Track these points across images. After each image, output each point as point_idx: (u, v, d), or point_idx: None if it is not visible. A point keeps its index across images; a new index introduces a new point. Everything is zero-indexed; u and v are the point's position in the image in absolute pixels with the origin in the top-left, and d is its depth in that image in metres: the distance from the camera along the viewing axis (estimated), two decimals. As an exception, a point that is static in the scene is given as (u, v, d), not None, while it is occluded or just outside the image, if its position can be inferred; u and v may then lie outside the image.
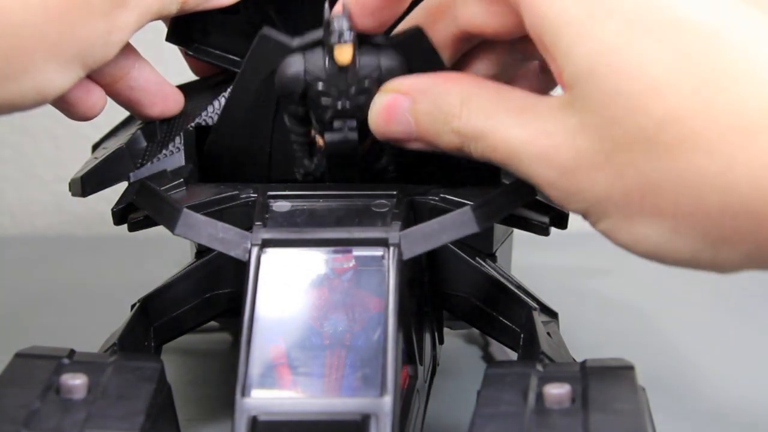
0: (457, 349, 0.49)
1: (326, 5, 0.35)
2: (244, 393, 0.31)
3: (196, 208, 0.36)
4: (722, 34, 0.28)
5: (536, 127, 0.31)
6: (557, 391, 0.31)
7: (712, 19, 0.28)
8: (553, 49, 0.30)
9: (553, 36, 0.30)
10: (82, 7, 0.36)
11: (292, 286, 0.34)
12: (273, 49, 0.37)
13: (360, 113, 0.36)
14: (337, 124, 0.36)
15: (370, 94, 0.36)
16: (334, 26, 0.34)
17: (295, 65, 0.36)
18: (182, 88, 0.43)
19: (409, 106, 0.34)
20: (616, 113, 0.29)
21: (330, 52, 0.35)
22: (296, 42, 0.36)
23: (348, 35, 0.34)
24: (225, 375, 0.47)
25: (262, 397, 0.31)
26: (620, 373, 0.32)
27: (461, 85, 0.33)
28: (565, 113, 0.30)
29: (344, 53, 0.35)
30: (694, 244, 0.29)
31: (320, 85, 0.36)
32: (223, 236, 0.35)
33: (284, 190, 0.37)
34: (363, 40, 0.35)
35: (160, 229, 0.39)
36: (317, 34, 0.36)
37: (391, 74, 0.35)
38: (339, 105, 0.36)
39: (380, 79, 0.36)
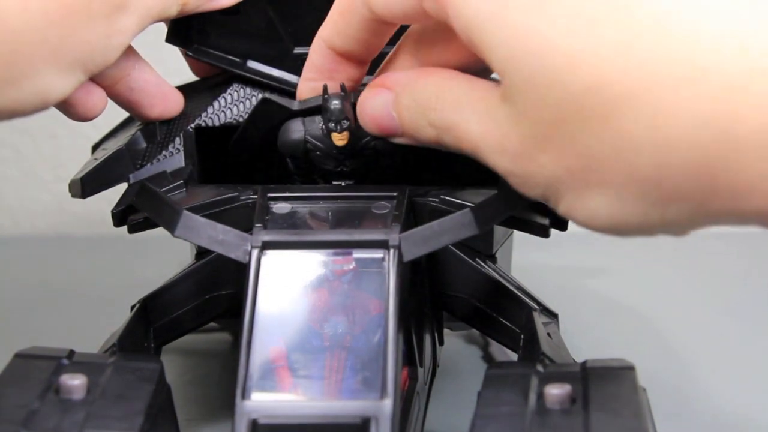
0: (457, 350, 0.49)
1: (324, 85, 0.37)
2: (244, 396, 0.31)
3: (196, 209, 0.36)
4: None
5: (490, 117, 0.31)
6: (558, 392, 0.31)
7: None
8: (479, 47, 0.30)
9: (475, 34, 0.30)
10: (83, 11, 0.36)
11: (292, 288, 0.34)
12: (274, 110, 0.39)
13: (358, 175, 0.39)
14: (336, 182, 0.39)
15: (367, 159, 0.38)
16: (332, 112, 0.36)
17: (296, 132, 0.38)
18: (182, 89, 0.43)
19: (393, 101, 0.35)
20: (541, 93, 0.29)
21: (328, 132, 0.37)
22: (296, 105, 0.38)
23: (345, 124, 0.37)
24: (225, 375, 0.47)
25: (262, 400, 0.31)
26: (621, 373, 0.32)
27: (437, 78, 0.33)
28: (505, 102, 0.30)
29: (341, 139, 0.37)
30: (640, 208, 0.29)
31: (320, 152, 0.38)
32: (223, 238, 0.35)
33: (284, 192, 0.37)
34: None
35: (161, 230, 0.39)
36: (317, 100, 0.38)
37: (389, 142, 0.36)
38: (338, 169, 0.39)
39: (376, 147, 0.38)
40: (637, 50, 0.27)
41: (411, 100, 0.34)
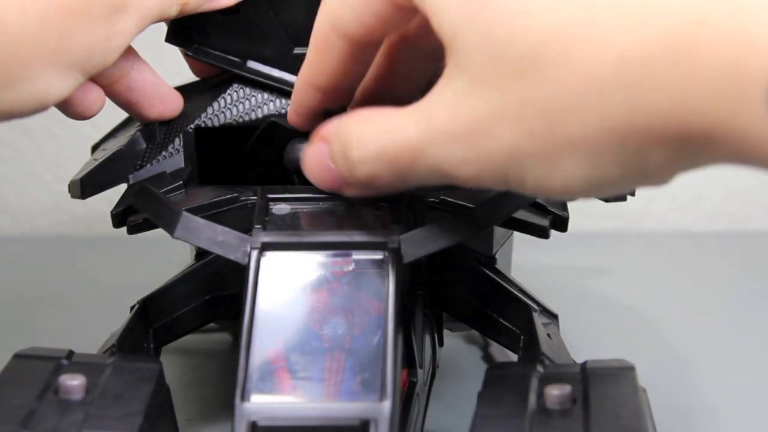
0: (457, 350, 0.49)
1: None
2: (244, 397, 0.31)
3: (195, 210, 0.36)
4: None
5: (428, 111, 0.29)
6: (558, 392, 0.31)
7: None
8: (432, 14, 0.29)
9: (428, 3, 0.29)
10: (81, 13, 0.36)
11: (291, 289, 0.34)
12: (279, 132, 0.40)
13: None
14: None
15: None
16: None
17: (301, 151, 0.37)
18: (182, 89, 0.43)
19: (328, 152, 0.33)
20: (498, 48, 0.27)
21: None
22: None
23: None
24: (225, 375, 0.47)
25: (262, 402, 0.31)
26: (621, 374, 0.33)
27: (358, 115, 0.32)
28: (451, 81, 0.29)
29: None
30: (618, 160, 0.27)
31: None
32: (222, 240, 0.35)
33: (284, 193, 0.37)
34: None
35: (160, 230, 0.39)
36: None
37: None
38: None
39: None
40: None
41: (339, 147, 0.32)
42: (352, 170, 0.32)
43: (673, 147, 0.26)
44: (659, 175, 0.27)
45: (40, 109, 0.37)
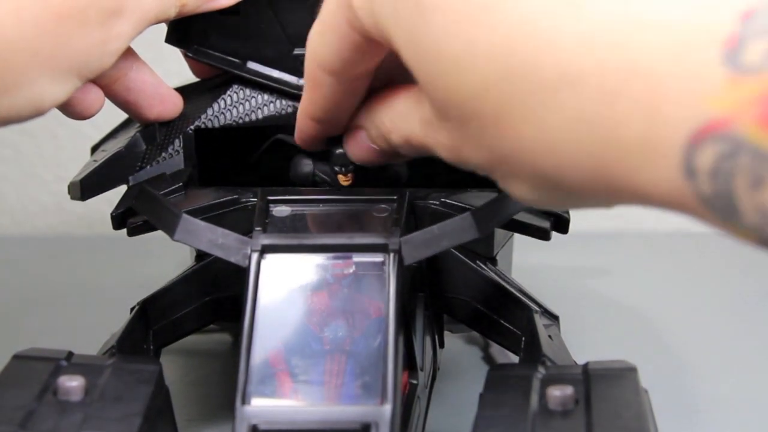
0: (457, 351, 0.49)
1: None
2: (244, 401, 0.31)
3: (195, 212, 0.36)
4: None
5: (426, 118, 0.32)
6: (560, 393, 0.31)
7: None
8: (396, 50, 0.31)
9: (395, 42, 0.30)
10: (77, 18, 0.36)
11: (292, 291, 0.34)
12: (285, 148, 0.41)
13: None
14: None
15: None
16: (337, 157, 0.38)
17: (306, 166, 0.40)
18: (182, 90, 0.43)
19: (367, 137, 0.36)
20: (441, 96, 0.29)
21: (335, 173, 0.39)
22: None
23: (350, 167, 0.38)
24: (225, 375, 0.47)
25: (262, 405, 0.31)
26: (623, 375, 0.33)
27: (384, 101, 0.35)
28: (421, 99, 0.32)
29: (346, 180, 0.39)
30: (557, 197, 0.29)
31: (327, 185, 0.40)
32: (222, 242, 0.35)
33: (284, 195, 0.37)
34: None
35: (161, 231, 0.39)
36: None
37: None
38: None
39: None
40: (519, 53, 0.27)
41: (377, 132, 0.35)
42: (397, 148, 0.35)
43: (604, 197, 0.27)
44: (600, 207, 0.29)
45: (37, 114, 0.37)
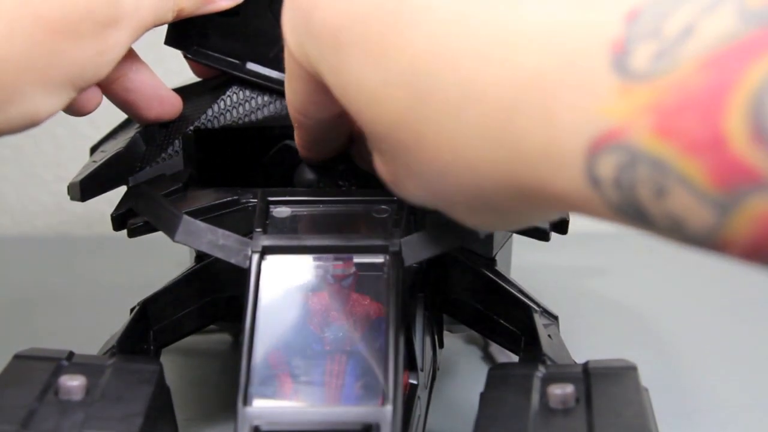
0: (456, 350, 0.49)
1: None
2: (246, 402, 0.31)
3: (195, 213, 0.36)
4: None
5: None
6: (561, 392, 0.31)
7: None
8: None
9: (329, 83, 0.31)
10: (71, 32, 0.35)
11: (292, 292, 0.34)
12: (291, 154, 0.41)
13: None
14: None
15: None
16: (341, 173, 0.40)
17: (310, 174, 0.40)
18: (182, 90, 0.43)
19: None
20: (366, 129, 0.30)
21: (339, 187, 0.40)
22: None
23: (352, 181, 0.40)
24: (224, 375, 0.47)
25: (264, 407, 0.31)
26: (623, 373, 0.33)
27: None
28: None
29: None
30: (484, 217, 0.29)
31: None
32: (223, 243, 0.35)
33: (284, 196, 0.37)
34: None
35: (161, 232, 0.39)
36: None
37: None
38: None
39: None
40: (425, 76, 0.27)
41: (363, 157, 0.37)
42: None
43: (526, 210, 0.28)
44: (543, 219, 0.30)
45: (33, 125, 0.36)
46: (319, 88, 0.32)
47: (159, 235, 0.38)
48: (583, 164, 0.24)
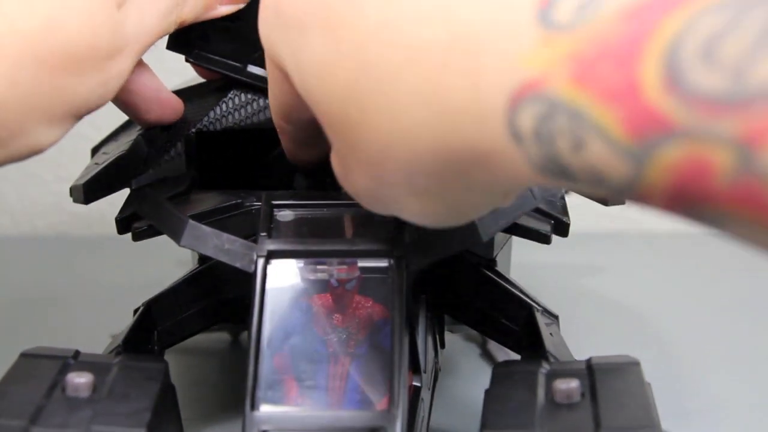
0: (455, 349, 0.49)
1: None
2: (254, 407, 0.31)
3: (199, 216, 0.36)
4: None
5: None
6: (566, 386, 0.31)
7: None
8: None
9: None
10: (74, 69, 0.35)
11: (298, 296, 0.34)
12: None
13: None
14: None
15: None
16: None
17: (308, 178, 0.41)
18: (183, 93, 0.43)
19: None
20: (316, 110, 0.30)
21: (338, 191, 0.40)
22: None
23: None
24: (223, 375, 0.47)
25: (272, 411, 0.31)
26: (627, 368, 0.33)
27: None
28: None
29: None
30: (434, 200, 0.29)
31: None
32: (228, 248, 0.35)
33: (288, 199, 0.37)
34: None
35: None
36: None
37: None
38: None
39: None
40: (374, 44, 0.27)
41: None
42: None
43: (463, 182, 0.27)
44: (487, 206, 0.29)
45: (35, 155, 0.36)
46: (293, 87, 0.32)
47: (159, 236, 0.38)
48: (504, 117, 0.24)
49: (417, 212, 0.29)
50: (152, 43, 0.39)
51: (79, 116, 0.37)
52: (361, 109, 0.28)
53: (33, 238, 0.73)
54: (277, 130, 0.37)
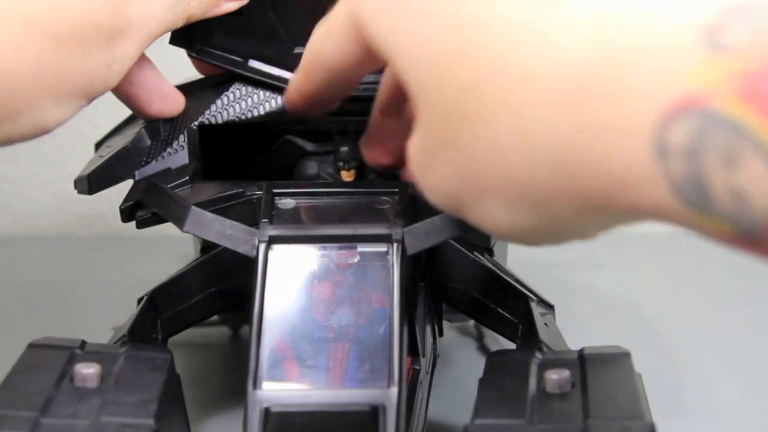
0: (451, 340, 0.50)
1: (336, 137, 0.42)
2: (256, 385, 0.32)
3: (202, 205, 0.37)
4: None
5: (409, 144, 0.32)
6: (557, 377, 0.32)
7: None
8: (391, 63, 0.31)
9: (386, 49, 0.31)
10: (78, 46, 0.35)
11: (298, 281, 0.34)
12: (293, 149, 0.43)
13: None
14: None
15: None
16: (341, 153, 0.42)
17: (311, 168, 0.43)
18: (185, 87, 0.43)
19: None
20: (432, 96, 0.29)
21: (338, 170, 0.42)
22: (310, 147, 0.44)
23: (353, 163, 0.42)
24: (224, 368, 0.47)
25: (274, 389, 0.32)
26: (617, 359, 0.33)
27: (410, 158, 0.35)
28: (414, 118, 0.31)
29: (349, 176, 0.42)
30: (529, 211, 0.28)
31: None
32: (231, 233, 0.35)
33: (289, 188, 0.38)
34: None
35: (160, 229, 0.39)
36: (328, 146, 0.43)
37: None
38: None
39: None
40: (500, 49, 0.27)
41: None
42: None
43: (576, 200, 0.27)
44: (578, 231, 0.29)
45: (42, 134, 0.37)
46: (360, 53, 0.32)
47: (158, 235, 0.38)
48: (652, 132, 0.23)
49: (504, 224, 0.29)
50: (159, 34, 0.39)
51: (84, 97, 0.37)
52: (482, 103, 0.27)
53: (33, 238, 0.73)
54: (301, 69, 0.36)
